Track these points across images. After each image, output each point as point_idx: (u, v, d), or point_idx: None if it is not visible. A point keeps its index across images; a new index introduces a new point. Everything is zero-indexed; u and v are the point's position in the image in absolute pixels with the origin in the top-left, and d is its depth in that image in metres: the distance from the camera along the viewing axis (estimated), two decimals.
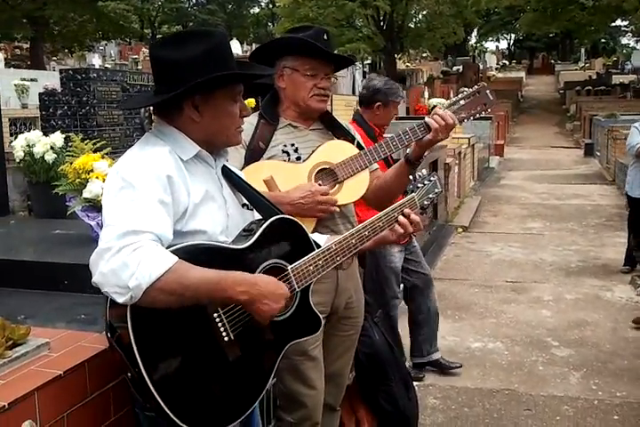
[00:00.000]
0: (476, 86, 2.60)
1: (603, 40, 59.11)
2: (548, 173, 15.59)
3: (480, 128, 15.27)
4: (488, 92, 2.57)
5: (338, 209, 2.46)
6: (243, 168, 2.42)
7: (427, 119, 2.43)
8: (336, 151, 2.52)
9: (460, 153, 10.67)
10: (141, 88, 5.72)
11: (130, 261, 1.51)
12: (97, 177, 2.99)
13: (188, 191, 1.72)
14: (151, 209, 1.61)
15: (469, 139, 12.36)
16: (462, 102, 2.53)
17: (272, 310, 1.67)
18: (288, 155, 2.50)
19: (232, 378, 1.70)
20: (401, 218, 2.17)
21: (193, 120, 1.78)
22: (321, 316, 1.99)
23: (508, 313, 5.68)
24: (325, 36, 2.44)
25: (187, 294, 1.55)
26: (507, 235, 8.98)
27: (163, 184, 1.65)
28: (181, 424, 1.58)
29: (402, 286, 4.34)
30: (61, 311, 2.47)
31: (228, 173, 1.94)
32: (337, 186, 2.49)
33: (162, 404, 1.55)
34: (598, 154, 17.90)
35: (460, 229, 9.17)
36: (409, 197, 2.25)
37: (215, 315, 1.66)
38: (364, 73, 26.94)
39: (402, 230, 2.17)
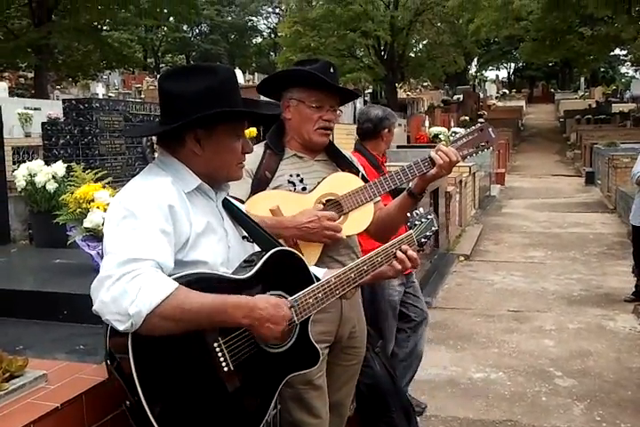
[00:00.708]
0: (478, 124, 2.66)
1: (602, 69, 59.62)
2: (550, 202, 15.61)
3: (481, 157, 15.18)
4: (490, 129, 2.63)
5: (344, 236, 2.47)
6: (249, 197, 2.45)
7: (432, 154, 2.47)
8: (341, 183, 2.56)
9: (461, 181, 10.69)
10: (144, 118, 5.77)
11: (130, 288, 1.51)
12: (98, 207, 2.99)
13: (190, 222, 1.73)
14: (152, 238, 1.62)
15: (470, 167, 12.39)
16: (465, 140, 2.58)
17: (274, 333, 1.68)
18: (294, 185, 2.53)
19: (230, 409, 1.68)
20: (399, 254, 2.21)
21: (195, 153, 1.79)
22: (320, 348, 1.98)
23: (510, 343, 5.64)
24: (332, 69, 2.49)
25: (187, 320, 1.55)
26: (508, 263, 8.96)
27: (164, 214, 1.66)
28: None
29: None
30: (60, 342, 2.45)
31: (228, 206, 1.95)
32: (342, 217, 2.52)
33: None
34: (599, 182, 17.95)
35: (462, 258, 9.15)
36: (407, 233, 2.30)
37: (215, 344, 1.65)
38: (365, 102, 27.17)
39: (399, 266, 2.21)
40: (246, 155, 2.49)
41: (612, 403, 4.40)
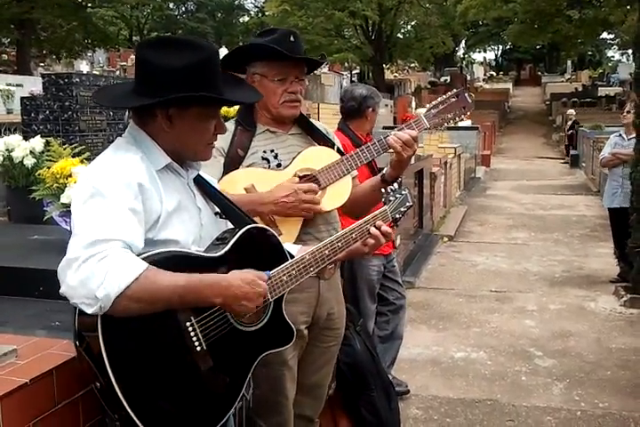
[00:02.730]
0: (454, 90, 2.60)
1: (589, 53, 59.65)
2: (534, 184, 15.67)
3: (466, 138, 15.33)
4: (466, 95, 2.59)
5: (323, 208, 2.43)
6: (222, 176, 2.39)
7: (389, 140, 2.41)
8: (317, 157, 2.49)
9: (446, 163, 10.69)
10: None
11: (97, 270, 1.47)
12: (75, 182, 2.94)
13: (160, 199, 1.68)
14: (121, 217, 1.57)
15: (455, 149, 12.40)
16: (442, 106, 2.54)
17: (248, 309, 1.68)
18: (268, 162, 2.46)
19: (204, 388, 1.66)
20: (373, 229, 2.18)
21: (163, 129, 1.74)
22: (294, 327, 1.95)
23: (491, 323, 5.66)
24: (292, 38, 2.38)
25: (158, 301, 1.52)
26: (492, 245, 8.99)
27: (134, 192, 1.61)
28: None
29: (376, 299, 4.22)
30: (35, 318, 2.42)
31: (200, 183, 1.90)
32: (320, 192, 2.46)
33: (131, 414, 1.50)
34: (584, 165, 18.02)
35: (446, 239, 9.17)
36: (381, 209, 2.26)
37: (188, 324, 1.62)
38: (352, 82, 27.02)
39: (373, 242, 2.18)
40: None
41: (591, 383, 4.43)
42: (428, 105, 2.60)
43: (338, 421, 3.42)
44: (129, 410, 1.50)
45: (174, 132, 1.74)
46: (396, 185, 2.42)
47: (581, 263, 7.85)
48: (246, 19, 59.48)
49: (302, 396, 2.59)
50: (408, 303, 4.70)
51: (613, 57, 64.77)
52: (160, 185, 1.70)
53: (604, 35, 44.63)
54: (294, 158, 2.47)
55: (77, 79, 5.22)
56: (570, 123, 22.19)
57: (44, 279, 2.63)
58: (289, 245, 2.10)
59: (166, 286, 1.52)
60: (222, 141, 2.42)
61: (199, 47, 1.75)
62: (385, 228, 2.20)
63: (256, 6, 59.63)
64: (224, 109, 5.37)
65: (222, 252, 1.74)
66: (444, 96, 2.56)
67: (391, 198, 2.32)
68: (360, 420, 3.38)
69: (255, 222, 1.91)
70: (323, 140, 2.59)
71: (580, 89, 38.51)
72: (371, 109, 4.00)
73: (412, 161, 7.64)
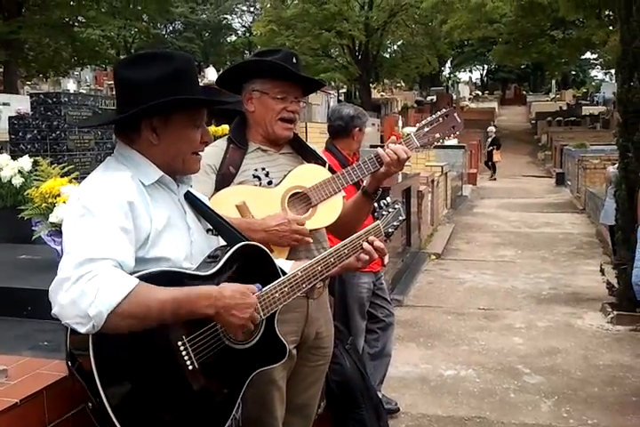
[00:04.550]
0: (444, 109, 2.61)
1: (573, 72, 60.36)
2: (520, 202, 15.77)
3: (453, 157, 15.44)
4: (456, 114, 2.59)
5: (311, 240, 2.44)
6: (214, 194, 2.40)
7: (379, 151, 2.43)
8: (308, 175, 2.50)
9: (433, 181, 10.75)
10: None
11: (88, 289, 1.47)
12: (64, 202, 2.93)
13: (150, 217, 1.68)
14: (111, 236, 1.57)
15: (442, 167, 12.48)
16: (431, 126, 2.55)
17: (240, 321, 1.66)
18: (259, 179, 2.47)
19: (196, 407, 1.65)
20: (365, 245, 2.19)
21: (151, 143, 1.75)
22: (287, 344, 1.95)
23: (480, 340, 5.67)
24: (294, 60, 2.43)
25: (151, 316, 1.52)
26: (479, 262, 9.02)
27: (124, 211, 1.62)
28: None
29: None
30: (23, 338, 2.40)
31: (191, 199, 1.91)
32: (310, 210, 2.47)
33: None
34: (569, 183, 18.16)
35: (434, 257, 9.20)
36: (374, 224, 2.27)
37: (179, 343, 1.62)
38: (339, 101, 27.18)
39: (367, 257, 2.20)
40: (211, 151, 2.46)
41: (579, 400, 4.45)
42: (418, 124, 2.61)
43: None
44: None
45: (162, 145, 1.75)
46: (389, 199, 2.43)
47: (568, 281, 7.89)
48: (233, 38, 59.86)
49: (291, 415, 2.58)
50: (397, 321, 4.71)
51: (597, 76, 65.63)
52: (149, 202, 1.71)
53: (588, 55, 45.22)
54: (285, 176, 2.47)
55: (65, 99, 5.25)
56: (490, 140, 22.51)
57: (32, 299, 2.62)
58: (281, 261, 2.10)
59: (158, 300, 1.52)
60: (214, 159, 2.43)
61: (171, 58, 1.77)
62: (378, 243, 2.21)
63: (243, 26, 59.99)
64: (212, 129, 5.39)
65: (214, 269, 1.74)
66: (434, 116, 2.56)
67: (384, 213, 2.33)
68: None
69: (247, 239, 1.92)
70: (314, 158, 2.60)
71: (565, 108, 38.87)
72: (357, 129, 4.02)
73: (400, 179, 7.71)
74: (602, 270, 6.58)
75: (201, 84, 1.95)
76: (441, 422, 4.11)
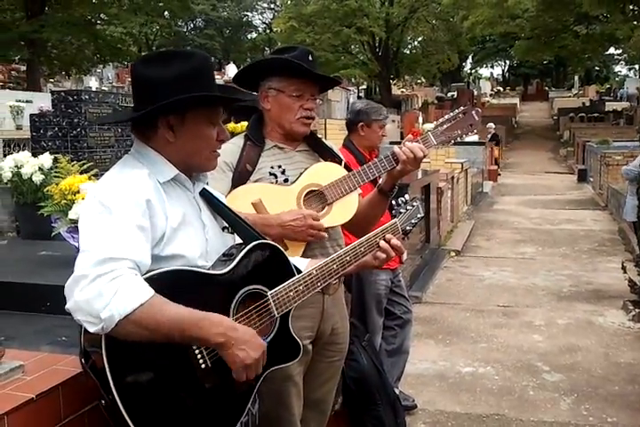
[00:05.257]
0: (462, 107, 2.61)
1: (596, 68, 59.72)
2: (541, 199, 15.64)
3: (473, 153, 15.35)
4: (474, 112, 2.58)
5: (327, 236, 2.44)
6: (230, 191, 2.41)
7: (395, 150, 2.43)
8: (324, 173, 2.51)
9: (453, 178, 10.70)
10: None
11: (105, 290, 1.48)
12: (83, 198, 2.96)
13: (165, 215, 1.69)
14: (129, 235, 1.58)
15: (462, 164, 12.41)
16: (449, 124, 2.55)
17: (248, 358, 1.60)
18: (275, 177, 2.48)
19: (208, 406, 1.66)
20: (382, 243, 2.18)
21: (167, 141, 1.76)
22: (301, 342, 1.95)
23: (499, 338, 5.64)
24: (310, 57, 2.43)
25: (160, 330, 1.51)
26: (499, 259, 8.97)
27: (141, 209, 1.63)
28: None
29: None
30: (42, 334, 2.43)
31: (207, 197, 1.91)
32: (326, 208, 2.47)
33: None
34: (591, 180, 17.99)
35: (453, 253, 9.16)
36: (391, 222, 2.25)
37: None
38: (359, 98, 27.13)
39: (384, 255, 2.18)
40: (227, 148, 2.47)
41: (599, 398, 4.41)
42: (435, 122, 2.61)
43: None
44: None
45: (179, 143, 1.76)
46: (407, 196, 2.42)
47: (589, 278, 7.82)
48: (254, 35, 60.00)
49: (307, 410, 2.58)
50: (415, 318, 4.70)
51: (620, 72, 64.88)
52: (165, 200, 1.71)
53: (612, 50, 44.72)
54: (302, 174, 2.48)
55: (86, 96, 5.28)
56: (489, 136, 22.31)
57: (52, 295, 2.65)
58: (297, 259, 2.11)
59: (171, 317, 1.51)
60: (231, 157, 2.45)
61: (189, 56, 1.78)
62: (395, 241, 2.20)
63: (264, 23, 60.13)
64: (231, 126, 5.40)
65: (229, 268, 1.74)
66: (452, 113, 2.57)
67: (402, 211, 2.31)
68: None
69: (263, 237, 1.92)
70: (330, 156, 2.60)
71: (588, 104, 38.50)
72: (362, 124, 3.93)
73: (419, 176, 7.67)
74: (623, 268, 6.50)
75: (221, 81, 1.96)
76: (459, 420, 4.10)
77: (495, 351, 5.31)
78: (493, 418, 4.11)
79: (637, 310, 6.12)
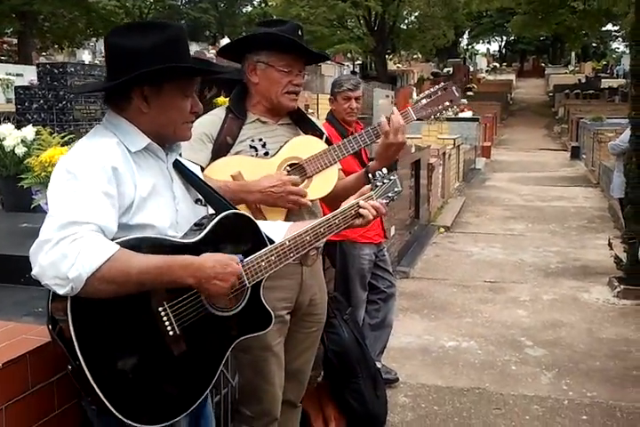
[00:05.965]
0: (442, 83, 2.63)
1: (593, 44, 59.42)
2: (534, 176, 15.65)
3: (467, 129, 15.31)
4: (454, 88, 2.61)
5: (310, 203, 2.45)
6: (210, 163, 2.41)
7: (382, 119, 2.45)
8: (304, 146, 2.51)
9: (444, 153, 10.68)
10: None
11: (69, 251, 1.49)
12: None
13: (134, 184, 1.69)
14: (94, 200, 1.59)
15: (455, 140, 12.39)
16: (428, 99, 2.57)
17: (221, 289, 1.68)
18: (256, 150, 2.47)
19: (177, 372, 1.68)
20: (362, 202, 2.18)
21: (141, 111, 1.75)
22: (272, 312, 1.97)
23: (484, 313, 5.69)
24: (299, 32, 2.42)
25: (130, 282, 1.54)
26: (488, 235, 9.00)
27: (107, 176, 1.63)
28: (123, 419, 1.56)
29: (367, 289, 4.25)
30: (20, 305, 2.44)
31: (180, 168, 1.91)
32: (306, 181, 2.48)
33: (102, 398, 1.53)
34: (584, 157, 17.98)
35: (442, 230, 9.18)
36: (367, 195, 2.24)
37: (160, 308, 1.64)
38: (353, 73, 26.94)
39: (366, 212, 2.17)
40: (208, 120, 2.46)
41: (580, 373, 4.46)
42: (415, 97, 2.63)
43: (325, 409, 3.45)
44: (99, 393, 1.52)
45: (152, 113, 1.76)
46: (384, 170, 2.41)
47: (577, 255, 7.86)
48: (249, 9, 59.35)
49: (285, 381, 2.61)
50: (402, 293, 4.73)
51: (618, 48, 64.56)
52: (135, 169, 1.71)
53: (609, 26, 44.49)
54: (282, 147, 2.48)
55: (72, 69, 5.22)
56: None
57: (30, 266, 2.65)
58: (279, 223, 2.12)
59: (138, 267, 1.54)
60: (212, 128, 2.44)
61: (165, 27, 1.77)
62: (373, 202, 2.20)
63: None
64: (221, 100, 5.36)
65: (199, 237, 1.75)
66: (432, 89, 2.62)
67: (378, 184, 2.31)
68: (347, 407, 3.42)
69: (236, 209, 1.92)
70: (312, 130, 2.60)
71: (584, 81, 38.33)
72: (330, 97, 4.09)
73: (412, 150, 7.64)
74: (610, 244, 6.52)
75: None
76: (440, 393, 4.14)
77: (479, 326, 5.36)
78: (474, 392, 4.15)
79: (622, 287, 6.16)
